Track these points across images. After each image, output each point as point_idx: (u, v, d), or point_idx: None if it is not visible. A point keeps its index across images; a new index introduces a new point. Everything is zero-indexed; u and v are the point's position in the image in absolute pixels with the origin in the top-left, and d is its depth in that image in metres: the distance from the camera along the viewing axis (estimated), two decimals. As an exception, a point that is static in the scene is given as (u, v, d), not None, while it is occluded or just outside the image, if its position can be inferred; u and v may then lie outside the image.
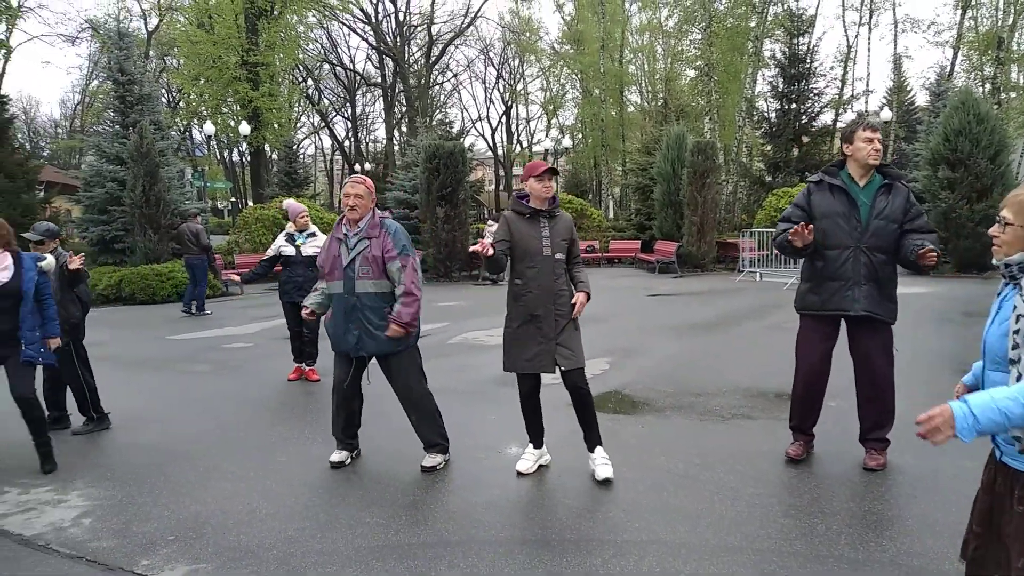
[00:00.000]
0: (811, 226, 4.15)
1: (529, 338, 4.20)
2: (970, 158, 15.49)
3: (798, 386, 4.51)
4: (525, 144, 53.30)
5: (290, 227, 7.37)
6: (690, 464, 4.57)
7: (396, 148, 41.66)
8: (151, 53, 40.34)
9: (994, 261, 2.08)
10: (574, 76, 47.67)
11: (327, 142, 55.44)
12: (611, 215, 33.49)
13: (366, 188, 4.54)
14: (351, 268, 4.47)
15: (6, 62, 38.93)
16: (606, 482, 4.19)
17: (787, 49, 23.48)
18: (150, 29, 40.04)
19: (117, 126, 17.75)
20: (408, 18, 44.24)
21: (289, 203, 7.80)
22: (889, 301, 4.26)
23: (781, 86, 23.30)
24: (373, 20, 42.55)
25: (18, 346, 4.65)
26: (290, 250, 7.21)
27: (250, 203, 33.12)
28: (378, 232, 4.50)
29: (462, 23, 45.09)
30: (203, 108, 35.30)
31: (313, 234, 7.32)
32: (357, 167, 42.03)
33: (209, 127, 25.05)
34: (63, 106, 61.09)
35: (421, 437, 4.68)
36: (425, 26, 45.00)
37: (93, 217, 16.95)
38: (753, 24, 28.52)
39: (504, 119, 52.31)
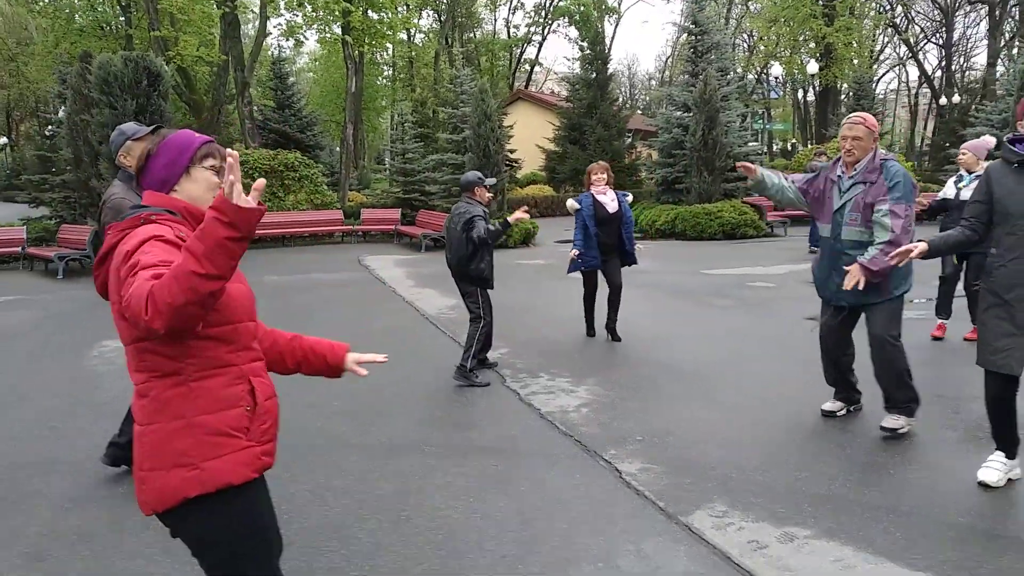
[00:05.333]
0: None
1: (996, 326, 3.41)
2: None
3: None
4: None
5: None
6: None
7: (999, 76, 35.12)
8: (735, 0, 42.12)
9: None
10: None
11: (914, 74, 49.85)
12: None
13: (866, 128, 4.19)
14: (840, 213, 4.25)
15: (616, 26, 45.70)
16: None
17: None
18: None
19: (687, 75, 19.33)
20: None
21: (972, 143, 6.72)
22: None
23: None
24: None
25: (619, 252, 6.80)
26: (951, 192, 6.45)
27: (811, 144, 32.36)
28: (875, 177, 4.14)
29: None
30: (780, 49, 35.46)
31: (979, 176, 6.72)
32: (943, 100, 36.88)
33: (776, 68, 25.17)
34: (657, 60, 68.39)
35: (884, 391, 4.27)
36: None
37: (662, 160, 19.03)
38: None
39: None
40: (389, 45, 34.57)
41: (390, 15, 26.42)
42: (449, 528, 3.31)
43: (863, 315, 4.34)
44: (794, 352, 6.18)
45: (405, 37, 37.01)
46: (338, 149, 32.54)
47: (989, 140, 6.55)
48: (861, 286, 4.04)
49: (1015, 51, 35.77)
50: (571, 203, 6.85)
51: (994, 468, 3.59)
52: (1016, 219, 3.34)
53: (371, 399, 5.23)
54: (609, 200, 6.72)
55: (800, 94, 44.46)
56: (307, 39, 28.67)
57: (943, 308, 6.70)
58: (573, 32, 41.34)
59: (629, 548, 3.12)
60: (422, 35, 41.38)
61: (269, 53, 30.24)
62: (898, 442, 4.17)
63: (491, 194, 5.94)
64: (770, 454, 4.08)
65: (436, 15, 40.58)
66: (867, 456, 4.00)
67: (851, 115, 4.36)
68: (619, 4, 43.96)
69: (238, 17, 22.20)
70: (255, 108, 23.52)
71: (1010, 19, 38.19)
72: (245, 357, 1.84)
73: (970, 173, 6.28)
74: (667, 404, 5.00)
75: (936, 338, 6.58)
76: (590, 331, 7.03)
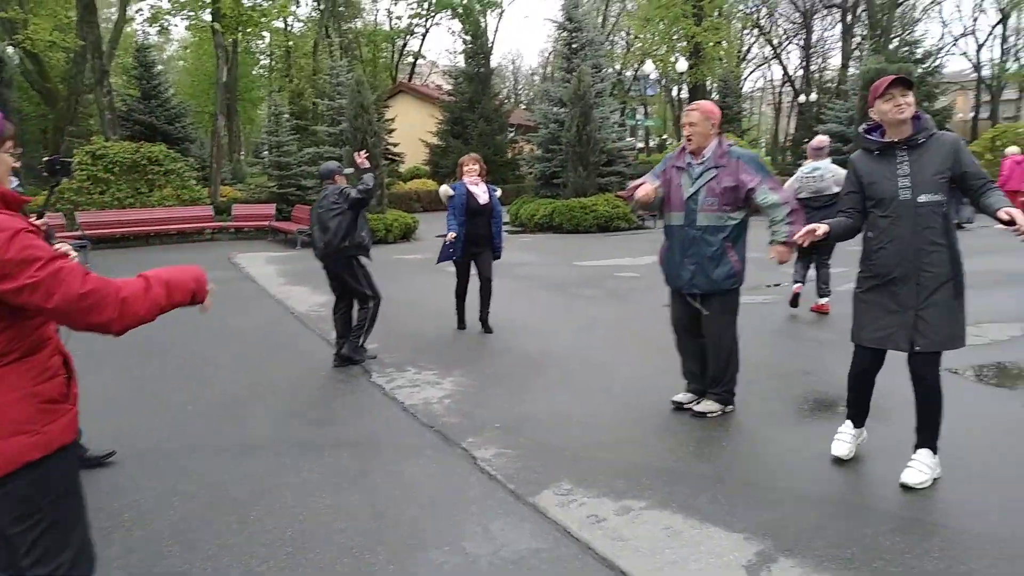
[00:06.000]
0: None
1: (880, 306, 3.47)
2: None
3: None
4: (1024, 61, 43.41)
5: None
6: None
7: (851, 76, 37.90)
8: (611, -1, 43.28)
9: None
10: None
11: (778, 74, 53.01)
12: None
13: (700, 114, 4.33)
14: (694, 200, 4.34)
15: (499, 20, 46.06)
16: (906, 488, 3.43)
17: None
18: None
19: (563, 71, 19.78)
20: (878, -75, 39.03)
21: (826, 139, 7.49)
22: None
23: None
24: (835, -66, 38.70)
25: (489, 245, 6.90)
26: None
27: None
28: (727, 161, 4.30)
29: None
30: (654, 48, 36.78)
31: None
32: (803, 98, 39.49)
33: (648, 66, 26.17)
34: (540, 55, 69.42)
35: (710, 380, 4.57)
36: (898, -69, 39.22)
37: (541, 155, 19.40)
38: None
39: (1001, 30, 43.13)
40: (266, 34, 33.39)
41: (265, 2, 25.51)
42: (299, 525, 3.31)
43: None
44: (649, 338, 6.51)
45: (282, 26, 35.87)
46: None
47: (820, 139, 7.31)
48: (787, 258, 4.28)
49: (864, 53, 38.76)
50: (444, 189, 6.89)
51: (844, 440, 3.80)
52: (888, 202, 3.42)
53: (229, 399, 5.12)
54: (481, 192, 6.83)
55: (674, 91, 46.33)
56: (175, 26, 27.36)
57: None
58: (457, 25, 41.32)
59: (476, 530, 3.23)
60: (301, 24, 40.23)
61: (134, 40, 28.53)
62: (732, 417, 4.50)
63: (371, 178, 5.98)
64: (618, 434, 4.30)
65: (316, 3, 39.50)
66: (703, 431, 4.29)
67: (691, 103, 4.56)
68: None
69: (95, 0, 20.81)
70: (117, 98, 22.18)
71: (860, 23, 41.23)
72: (53, 330, 2.01)
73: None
74: (529, 392, 5.16)
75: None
76: (461, 324, 7.13)
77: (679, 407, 4.66)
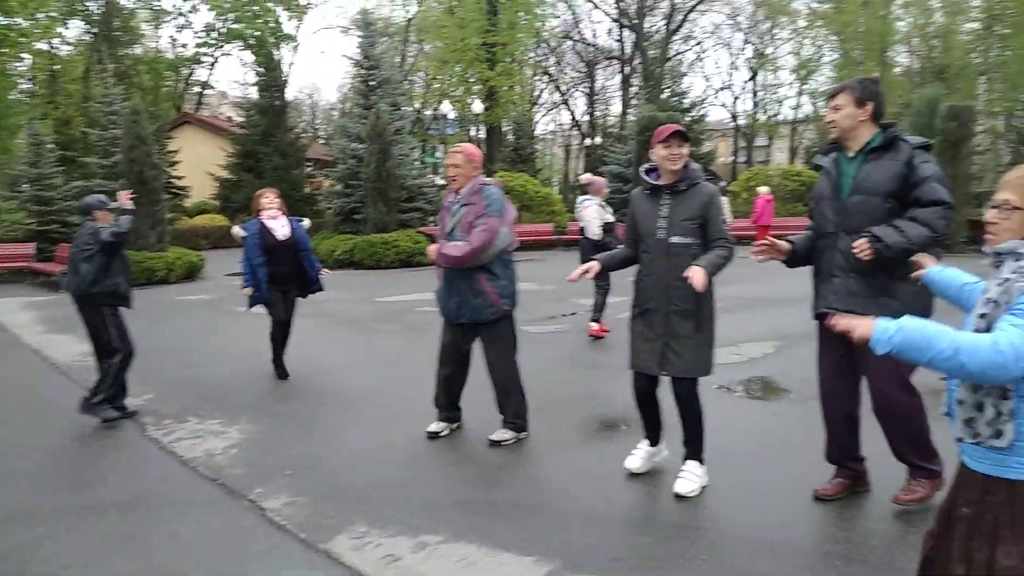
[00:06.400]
0: None
1: (640, 334, 3.78)
2: None
3: None
4: (771, 112, 49.93)
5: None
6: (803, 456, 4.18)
7: (629, 122, 41.31)
8: (410, 39, 43.87)
9: (985, 249, 1.90)
10: (832, 37, 43.68)
11: (567, 118, 56.53)
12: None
13: (463, 157, 4.54)
14: (452, 236, 4.52)
15: (295, 53, 44.93)
16: (679, 497, 3.71)
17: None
18: (410, 15, 43.47)
19: (360, 108, 19.70)
20: (651, -12, 43.26)
21: (590, 176, 8.48)
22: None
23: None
24: (614, -8, 42.27)
25: (295, 283, 6.45)
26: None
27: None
28: (476, 198, 4.50)
29: (710, -13, 43.05)
30: (451, 89, 37.68)
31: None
32: (588, 141, 42.43)
33: (445, 106, 26.84)
34: (339, 90, 68.53)
35: (500, 410, 4.71)
36: (669, -6, 43.71)
37: (339, 190, 19.08)
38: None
39: (752, 86, 49.30)
40: (26, 55, 29.97)
41: (24, 22, 23.05)
42: (51, 602, 2.92)
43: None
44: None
45: (46, 48, 32.38)
46: (-46, 173, 27.23)
47: (583, 177, 8.56)
48: (438, 259, 4.43)
49: (640, 102, 42.47)
50: (236, 230, 6.45)
51: (637, 455, 4.03)
52: (647, 240, 3.72)
53: (-32, 467, 4.43)
54: (279, 226, 6.34)
55: (472, 131, 47.85)
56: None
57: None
58: (248, 56, 39.63)
59: (262, 586, 3.04)
60: (69, 47, 36.57)
61: None
62: (525, 444, 4.64)
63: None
64: (414, 469, 4.28)
65: (88, 26, 36.14)
66: (498, 459, 4.39)
67: (455, 145, 4.75)
68: (297, 32, 43.41)
69: None
70: None
71: (636, 75, 45.21)
72: None
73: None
74: (323, 434, 4.99)
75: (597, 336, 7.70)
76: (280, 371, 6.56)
77: (434, 436, 4.76)
